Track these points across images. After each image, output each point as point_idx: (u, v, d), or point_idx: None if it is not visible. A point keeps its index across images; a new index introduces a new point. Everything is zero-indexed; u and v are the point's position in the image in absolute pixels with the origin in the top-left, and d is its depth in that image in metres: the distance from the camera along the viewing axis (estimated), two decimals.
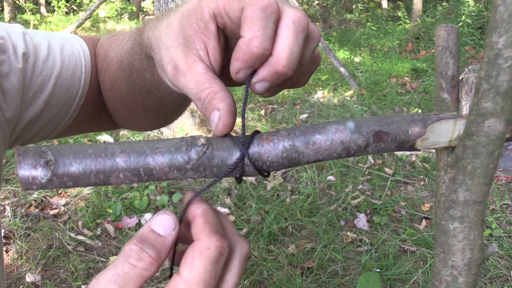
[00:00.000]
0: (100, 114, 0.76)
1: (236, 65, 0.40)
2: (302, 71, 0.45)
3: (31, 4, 11.32)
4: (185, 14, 0.45)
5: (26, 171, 0.34)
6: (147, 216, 2.72)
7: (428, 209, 2.77)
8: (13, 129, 0.63)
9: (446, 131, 0.43)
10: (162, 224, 0.38)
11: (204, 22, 0.43)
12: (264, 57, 0.40)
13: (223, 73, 0.47)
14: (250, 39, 0.38)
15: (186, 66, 0.44)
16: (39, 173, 0.34)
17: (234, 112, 0.41)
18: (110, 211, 2.76)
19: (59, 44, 0.68)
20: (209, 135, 0.43)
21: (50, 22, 9.84)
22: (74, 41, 0.71)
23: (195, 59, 0.44)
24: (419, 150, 0.43)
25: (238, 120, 3.24)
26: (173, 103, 0.64)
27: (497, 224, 2.56)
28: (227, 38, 0.47)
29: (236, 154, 0.39)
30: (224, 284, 0.39)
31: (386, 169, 3.21)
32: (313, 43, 0.44)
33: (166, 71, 0.45)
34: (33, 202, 2.88)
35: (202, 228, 0.38)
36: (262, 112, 4.57)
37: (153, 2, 6.86)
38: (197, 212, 0.39)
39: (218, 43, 0.44)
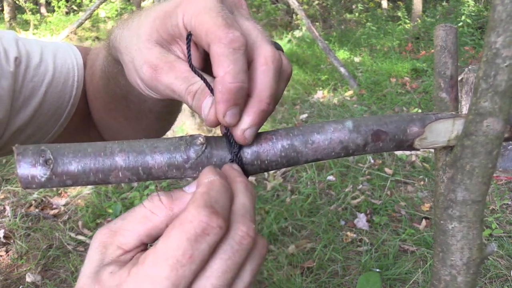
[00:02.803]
0: (89, 127, 0.75)
1: (220, 109, 0.37)
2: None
3: (31, 4, 11.32)
4: (159, 15, 0.43)
5: (25, 170, 0.34)
6: None
7: (428, 209, 2.77)
8: (2, 134, 0.62)
9: (444, 130, 0.43)
10: (191, 183, 0.36)
11: (179, 29, 0.41)
12: (243, 91, 0.37)
13: None
14: (223, 77, 0.37)
15: (168, 64, 0.42)
16: (39, 171, 0.34)
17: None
18: (110, 211, 2.76)
19: (52, 51, 0.67)
20: (209, 135, 0.43)
21: (50, 22, 9.84)
22: (68, 50, 0.70)
23: (175, 58, 0.42)
24: (418, 150, 0.44)
25: None
26: (152, 111, 0.62)
27: (497, 224, 2.56)
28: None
29: (229, 156, 0.39)
30: (207, 273, 0.32)
31: (386, 169, 3.21)
32: (286, 81, 0.42)
33: (141, 72, 0.43)
34: (33, 202, 2.88)
35: (196, 198, 0.33)
36: None
37: (153, 2, 6.87)
38: (203, 181, 0.35)
39: (197, 51, 0.43)
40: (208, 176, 0.35)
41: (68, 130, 0.70)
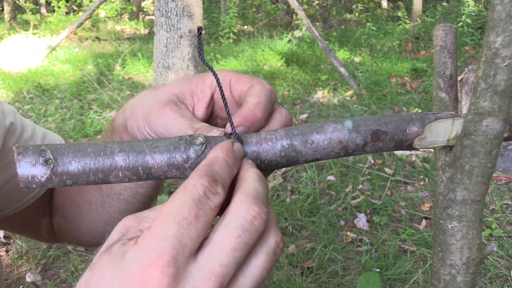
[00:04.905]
0: (41, 222, 0.75)
1: (238, 120, 0.42)
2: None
3: (31, 4, 11.32)
4: (188, 77, 0.49)
5: (25, 170, 0.34)
6: None
7: (428, 209, 2.77)
8: None
9: (444, 130, 0.43)
10: None
11: (203, 86, 0.47)
12: (260, 124, 0.43)
13: None
14: (257, 103, 0.42)
15: (177, 106, 0.46)
16: (39, 171, 0.35)
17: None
18: None
19: (42, 132, 0.71)
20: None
21: (50, 22, 9.83)
22: (54, 136, 0.74)
23: (185, 107, 0.47)
24: (417, 149, 0.44)
25: None
26: (120, 198, 0.62)
27: (497, 224, 2.56)
28: (212, 114, 0.50)
29: None
30: (215, 246, 0.32)
31: (386, 169, 3.21)
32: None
33: (148, 108, 0.46)
34: None
35: (198, 168, 0.35)
36: None
37: (153, 2, 6.87)
38: (209, 155, 0.37)
39: (206, 109, 0.48)
40: (215, 152, 0.37)
41: (23, 213, 0.70)
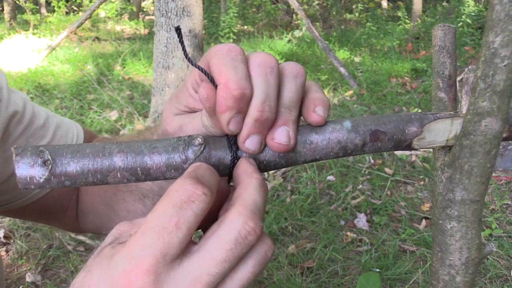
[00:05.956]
0: (66, 211, 0.73)
1: (224, 117, 0.37)
2: (291, 109, 0.40)
3: (31, 4, 11.32)
4: (173, 95, 0.47)
5: (24, 171, 0.34)
6: None
7: (428, 209, 2.77)
8: None
9: (443, 130, 0.43)
10: None
11: (193, 97, 0.44)
12: (246, 98, 0.36)
13: None
14: (225, 84, 0.36)
15: (188, 118, 0.45)
16: (37, 172, 0.34)
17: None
18: None
19: (56, 122, 0.69)
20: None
21: (50, 22, 9.83)
22: (72, 126, 0.71)
23: (191, 113, 0.46)
24: (416, 150, 0.44)
25: None
26: (142, 199, 0.61)
27: (497, 224, 2.56)
28: None
29: (228, 156, 0.39)
30: (205, 256, 0.32)
31: (386, 169, 3.21)
32: (294, 79, 0.40)
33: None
34: None
35: (183, 175, 0.34)
36: None
37: (153, 2, 6.87)
38: (191, 165, 0.37)
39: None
40: (196, 163, 0.37)
41: (41, 203, 0.68)
